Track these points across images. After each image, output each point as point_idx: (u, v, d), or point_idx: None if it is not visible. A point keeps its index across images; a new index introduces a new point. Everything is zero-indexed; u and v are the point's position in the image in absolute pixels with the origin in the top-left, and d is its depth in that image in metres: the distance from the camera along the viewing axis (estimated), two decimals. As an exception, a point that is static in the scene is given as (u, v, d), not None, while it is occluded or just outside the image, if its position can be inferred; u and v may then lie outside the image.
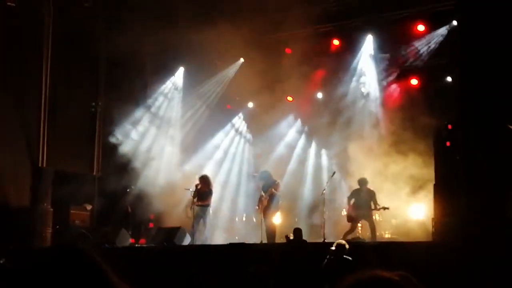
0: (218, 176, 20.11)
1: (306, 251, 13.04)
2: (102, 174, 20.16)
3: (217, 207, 19.14)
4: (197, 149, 20.53)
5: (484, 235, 11.45)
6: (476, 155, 12.83)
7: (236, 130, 21.59)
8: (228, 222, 19.82)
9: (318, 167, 20.34)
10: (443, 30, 17.58)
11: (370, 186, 16.34)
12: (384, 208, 15.91)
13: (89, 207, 18.96)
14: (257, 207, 17.47)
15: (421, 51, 18.16)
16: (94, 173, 20.20)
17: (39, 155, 18.26)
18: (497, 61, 12.56)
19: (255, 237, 16.96)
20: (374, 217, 16.45)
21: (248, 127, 21.63)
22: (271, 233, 16.58)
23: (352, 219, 16.24)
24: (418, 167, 16.76)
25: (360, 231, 16.68)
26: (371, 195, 16.11)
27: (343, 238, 15.10)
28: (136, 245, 17.79)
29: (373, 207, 15.96)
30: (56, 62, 18.72)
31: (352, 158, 18.63)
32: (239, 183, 21.10)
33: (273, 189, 16.93)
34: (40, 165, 18.24)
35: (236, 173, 21.31)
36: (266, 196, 16.95)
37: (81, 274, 2.13)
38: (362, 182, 16.38)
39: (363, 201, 16.07)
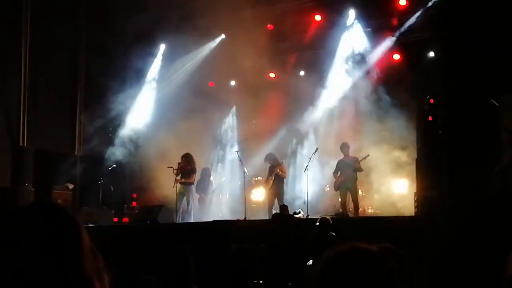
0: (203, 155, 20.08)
1: (292, 227, 13.10)
2: (84, 153, 20.07)
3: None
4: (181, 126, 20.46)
5: (467, 209, 11.54)
6: (458, 130, 12.86)
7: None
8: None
9: (301, 144, 20.41)
10: (425, 5, 17.56)
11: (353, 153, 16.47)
12: (365, 157, 16.08)
13: (71, 186, 18.89)
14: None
15: (404, 26, 18.16)
16: (76, 152, 20.11)
17: (20, 134, 18.12)
18: (478, 35, 12.56)
19: (240, 214, 17.01)
20: (358, 192, 16.58)
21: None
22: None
23: (338, 189, 16.35)
24: (401, 142, 16.83)
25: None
26: (354, 162, 16.18)
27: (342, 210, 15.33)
28: (119, 224, 17.79)
29: (358, 170, 16.07)
30: (36, 42, 18.55)
31: (335, 135, 18.66)
32: (222, 160, 21.18)
33: (278, 170, 16.90)
34: (20, 144, 18.11)
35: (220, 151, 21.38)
36: (271, 177, 16.94)
37: (57, 228, 2.12)
38: (343, 147, 16.50)
39: (347, 172, 16.15)
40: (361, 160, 16.10)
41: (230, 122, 21.82)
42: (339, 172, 16.41)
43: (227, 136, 21.75)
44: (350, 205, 16.40)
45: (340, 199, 16.40)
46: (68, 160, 19.35)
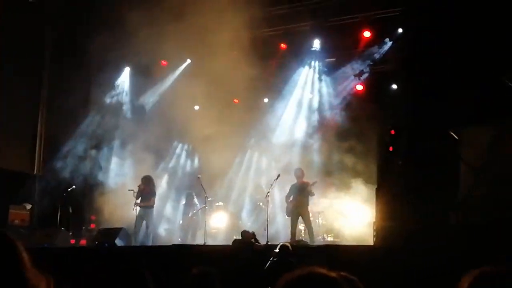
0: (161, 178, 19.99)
1: (252, 253, 13.03)
2: (43, 173, 19.76)
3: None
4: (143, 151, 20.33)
5: (425, 240, 11.62)
6: (418, 161, 13.01)
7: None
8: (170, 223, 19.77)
9: (259, 171, 20.43)
10: (388, 37, 17.83)
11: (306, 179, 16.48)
12: (314, 183, 16.07)
13: (28, 206, 18.55)
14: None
15: (367, 57, 18.39)
16: (35, 172, 19.78)
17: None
18: (440, 69, 12.78)
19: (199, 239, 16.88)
20: (317, 220, 16.58)
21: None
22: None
23: (291, 214, 16.30)
24: (361, 171, 16.95)
25: (303, 234, 16.77)
26: (305, 187, 16.15)
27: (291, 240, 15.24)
28: (77, 246, 17.50)
29: (309, 195, 16.05)
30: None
31: (295, 163, 18.70)
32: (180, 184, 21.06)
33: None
34: (-22, 163, 17.79)
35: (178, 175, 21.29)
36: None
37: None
38: (296, 172, 16.51)
39: (299, 196, 16.13)
40: (311, 185, 16.13)
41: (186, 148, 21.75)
42: (291, 197, 16.43)
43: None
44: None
45: (290, 226, 16.31)
46: (26, 179, 19.01)
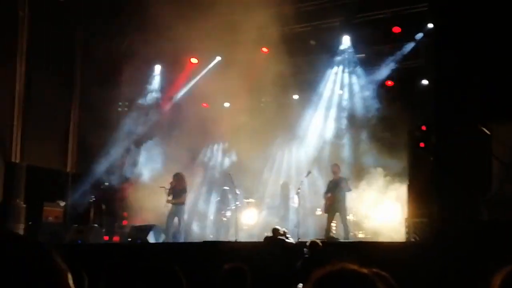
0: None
1: (283, 250, 13.07)
2: (76, 170, 20.03)
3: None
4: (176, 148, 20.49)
5: (457, 236, 11.56)
6: (449, 157, 12.93)
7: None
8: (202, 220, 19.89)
9: (290, 168, 20.45)
10: (418, 32, 17.72)
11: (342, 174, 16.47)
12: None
13: (62, 203, 18.80)
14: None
15: (397, 53, 18.30)
16: (68, 169, 20.05)
17: (12, 150, 18.07)
18: (470, 63, 12.67)
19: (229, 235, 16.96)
20: (348, 217, 16.55)
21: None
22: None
23: (328, 210, 16.29)
24: (393, 167, 16.87)
25: (334, 230, 16.74)
26: (343, 182, 16.12)
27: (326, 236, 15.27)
28: (110, 242, 17.70)
29: (346, 191, 16.02)
30: (32, 57, 18.56)
31: (327, 159, 18.70)
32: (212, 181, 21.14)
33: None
34: (13, 160, 18.05)
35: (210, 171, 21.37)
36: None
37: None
38: (333, 167, 16.50)
39: (335, 192, 16.13)
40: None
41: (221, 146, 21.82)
42: (329, 193, 16.39)
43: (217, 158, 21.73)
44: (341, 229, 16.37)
45: (326, 222, 16.32)
46: (60, 177, 19.29)
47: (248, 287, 5.85)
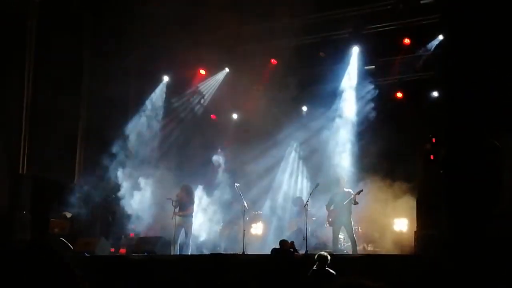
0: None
1: (291, 263, 13.08)
2: (83, 182, 20.08)
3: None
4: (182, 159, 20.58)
5: (465, 250, 11.54)
6: (460, 170, 12.90)
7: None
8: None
9: (298, 180, 20.49)
10: (428, 44, 17.78)
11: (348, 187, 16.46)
12: (359, 192, 15.94)
13: (69, 215, 18.84)
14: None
15: (407, 65, 18.35)
16: (75, 180, 20.12)
17: (19, 161, 18.16)
18: (483, 75, 12.67)
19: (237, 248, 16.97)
20: (356, 228, 16.54)
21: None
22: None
23: (332, 223, 16.27)
24: (402, 179, 16.86)
25: (343, 243, 16.74)
26: (348, 196, 16.08)
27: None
28: (117, 255, 17.74)
29: (353, 203, 16.00)
30: (39, 66, 18.67)
31: (334, 172, 18.71)
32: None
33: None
34: (20, 171, 18.14)
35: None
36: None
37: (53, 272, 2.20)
38: (336, 182, 16.48)
39: (341, 205, 16.13)
40: (356, 194, 16.04)
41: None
42: (332, 206, 16.37)
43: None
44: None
45: (332, 236, 16.31)
46: (67, 188, 19.35)
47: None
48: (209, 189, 20.21)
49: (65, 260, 2.28)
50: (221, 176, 21.11)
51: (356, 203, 16.04)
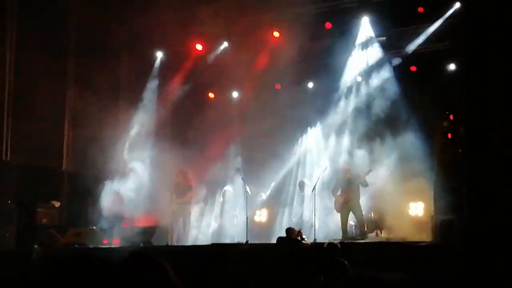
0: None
1: (298, 252, 13.08)
2: (72, 169, 20.06)
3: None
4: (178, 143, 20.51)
5: (488, 235, 11.49)
6: (480, 149, 12.82)
7: None
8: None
9: (305, 162, 20.43)
10: (445, 12, 17.63)
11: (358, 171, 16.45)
12: (368, 172, 16.07)
13: (57, 204, 18.83)
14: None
15: (421, 35, 18.22)
16: (63, 168, 20.09)
17: (3, 148, 18.13)
18: (503, 45, 12.53)
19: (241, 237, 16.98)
20: (368, 215, 16.56)
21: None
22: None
23: (341, 209, 16.31)
24: (417, 159, 16.80)
25: (354, 231, 16.75)
26: (356, 178, 16.12)
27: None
28: (110, 246, 17.76)
29: (362, 186, 16.03)
30: (22, 48, 18.59)
31: (344, 153, 18.69)
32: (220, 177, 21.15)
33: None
34: (3, 158, 18.12)
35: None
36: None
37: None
38: (344, 165, 16.48)
39: (348, 189, 16.14)
40: (365, 174, 16.06)
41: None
42: (339, 191, 16.36)
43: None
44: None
45: (341, 222, 16.35)
46: (55, 175, 19.32)
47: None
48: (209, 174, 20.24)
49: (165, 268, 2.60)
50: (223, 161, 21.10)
51: (366, 185, 16.04)
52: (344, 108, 19.54)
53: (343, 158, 17.26)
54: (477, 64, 13.20)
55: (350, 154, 18.31)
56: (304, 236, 14.73)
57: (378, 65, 19.11)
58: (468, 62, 13.87)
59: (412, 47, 18.36)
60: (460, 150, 13.69)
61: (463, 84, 14.01)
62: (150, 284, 2.46)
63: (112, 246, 17.75)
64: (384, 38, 19.00)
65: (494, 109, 12.58)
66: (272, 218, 19.21)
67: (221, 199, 20.19)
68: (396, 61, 18.65)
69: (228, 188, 20.17)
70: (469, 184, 12.75)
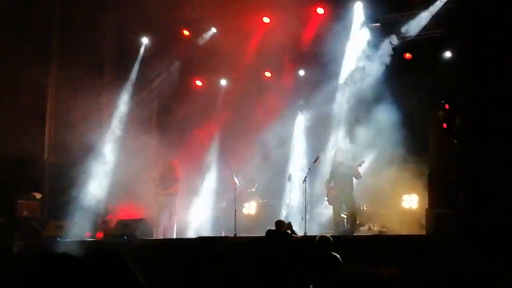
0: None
1: (289, 246, 12.96)
2: (54, 159, 19.86)
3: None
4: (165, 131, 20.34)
5: (486, 228, 11.42)
6: (477, 139, 12.73)
7: None
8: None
9: (296, 153, 20.30)
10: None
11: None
12: (360, 163, 16.00)
13: (38, 195, 18.70)
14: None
15: (416, 21, 18.08)
16: (45, 157, 19.89)
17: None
18: (504, 31, 12.42)
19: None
20: (361, 208, 16.47)
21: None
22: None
23: (333, 202, 16.18)
24: (411, 150, 16.72)
25: (345, 223, 16.65)
26: (349, 170, 15.97)
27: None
28: (93, 239, 17.62)
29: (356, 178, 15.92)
30: (1, 32, 18.36)
31: (337, 143, 18.57)
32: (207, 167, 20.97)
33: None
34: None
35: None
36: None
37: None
38: (337, 153, 16.38)
39: (341, 181, 15.97)
40: (357, 166, 15.96)
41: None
42: (332, 183, 16.26)
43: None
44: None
45: (333, 215, 16.25)
46: (36, 165, 19.14)
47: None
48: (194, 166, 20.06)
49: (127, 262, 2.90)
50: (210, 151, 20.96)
51: (360, 177, 15.96)
52: (336, 96, 19.36)
53: (335, 149, 17.09)
54: (473, 52, 13.10)
55: (343, 144, 18.15)
56: (294, 229, 14.63)
57: (371, 53, 18.94)
58: (464, 50, 13.77)
59: (408, 33, 18.20)
60: (456, 141, 13.59)
61: (459, 72, 13.91)
62: (110, 279, 2.68)
63: (91, 239, 17.61)
64: (378, 24, 18.85)
65: (493, 99, 12.46)
66: (261, 211, 19.06)
67: (208, 191, 20.05)
68: (392, 44, 18.47)
69: (213, 178, 20.05)
70: (466, 177, 12.66)
